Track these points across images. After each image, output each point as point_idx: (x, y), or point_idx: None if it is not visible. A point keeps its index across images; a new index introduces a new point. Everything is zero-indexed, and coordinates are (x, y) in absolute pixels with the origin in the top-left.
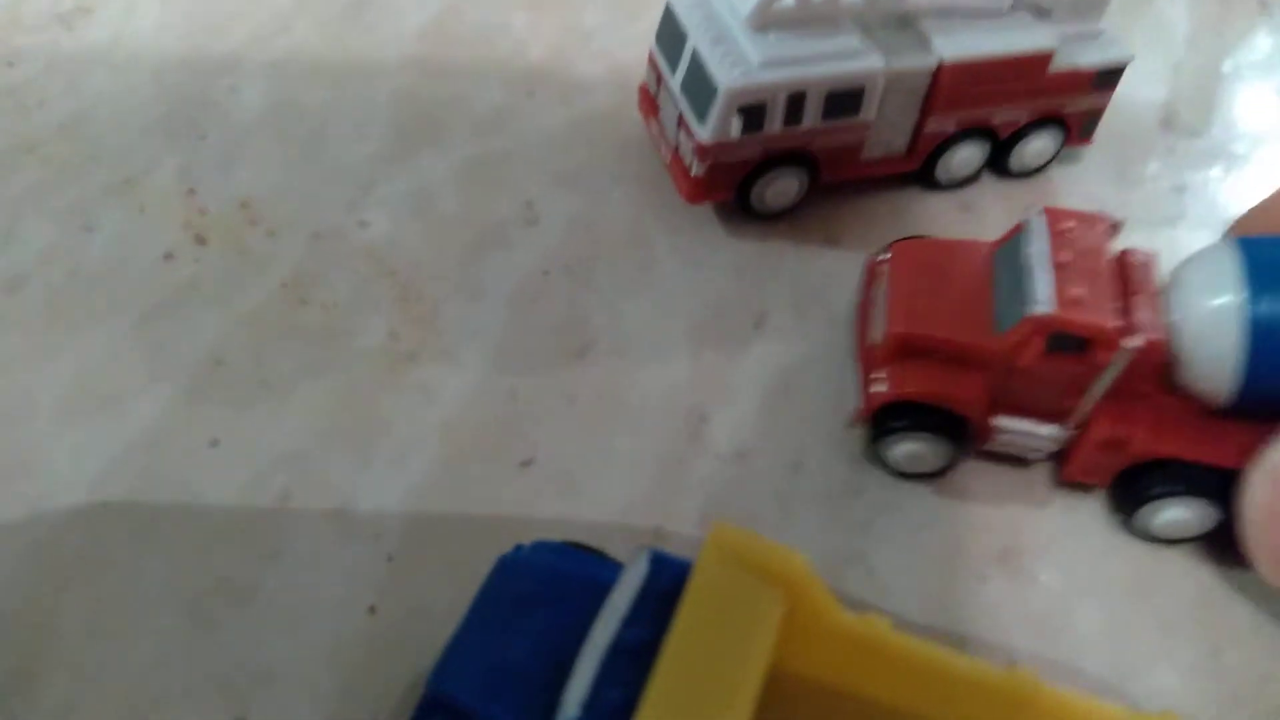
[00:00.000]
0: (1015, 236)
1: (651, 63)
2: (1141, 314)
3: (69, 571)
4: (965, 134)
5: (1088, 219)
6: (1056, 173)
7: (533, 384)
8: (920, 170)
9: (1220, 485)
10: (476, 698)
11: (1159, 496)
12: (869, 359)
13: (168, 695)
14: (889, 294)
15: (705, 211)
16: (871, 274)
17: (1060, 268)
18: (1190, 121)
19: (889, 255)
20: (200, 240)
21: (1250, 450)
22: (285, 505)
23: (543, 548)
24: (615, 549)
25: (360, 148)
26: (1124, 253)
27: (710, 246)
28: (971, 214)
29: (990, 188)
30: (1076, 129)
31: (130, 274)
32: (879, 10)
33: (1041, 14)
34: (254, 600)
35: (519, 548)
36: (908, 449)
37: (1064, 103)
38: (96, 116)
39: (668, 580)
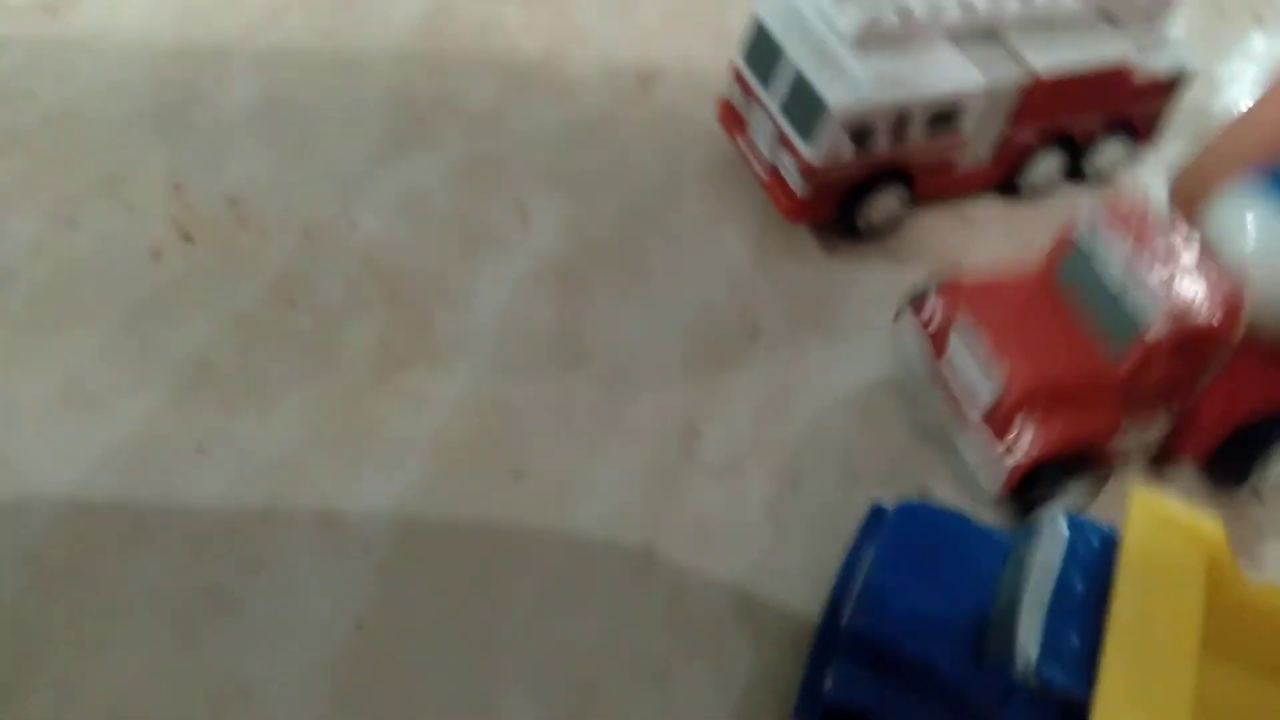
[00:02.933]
0: (1075, 252)
1: (739, 79)
2: (1215, 284)
3: (52, 578)
4: (1045, 143)
5: (1129, 213)
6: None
7: (524, 393)
8: (1002, 179)
9: None
10: (900, 635)
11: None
12: (988, 419)
13: (153, 710)
14: (983, 348)
15: (699, 218)
16: (930, 329)
17: (1143, 272)
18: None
19: (942, 307)
20: (187, 238)
21: None
22: (272, 513)
23: (920, 505)
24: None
25: (351, 145)
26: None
27: (705, 254)
28: (972, 228)
29: (990, 203)
30: (1143, 131)
31: (116, 272)
32: (971, 25)
33: (1113, 20)
34: (240, 612)
35: (907, 502)
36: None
37: (1136, 107)
38: (83, 109)
39: (1087, 541)
